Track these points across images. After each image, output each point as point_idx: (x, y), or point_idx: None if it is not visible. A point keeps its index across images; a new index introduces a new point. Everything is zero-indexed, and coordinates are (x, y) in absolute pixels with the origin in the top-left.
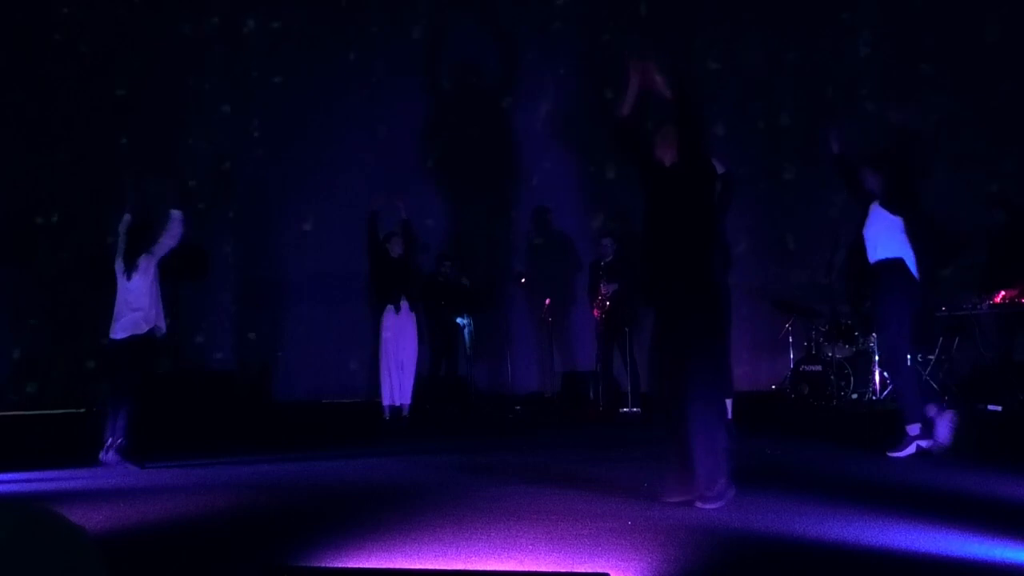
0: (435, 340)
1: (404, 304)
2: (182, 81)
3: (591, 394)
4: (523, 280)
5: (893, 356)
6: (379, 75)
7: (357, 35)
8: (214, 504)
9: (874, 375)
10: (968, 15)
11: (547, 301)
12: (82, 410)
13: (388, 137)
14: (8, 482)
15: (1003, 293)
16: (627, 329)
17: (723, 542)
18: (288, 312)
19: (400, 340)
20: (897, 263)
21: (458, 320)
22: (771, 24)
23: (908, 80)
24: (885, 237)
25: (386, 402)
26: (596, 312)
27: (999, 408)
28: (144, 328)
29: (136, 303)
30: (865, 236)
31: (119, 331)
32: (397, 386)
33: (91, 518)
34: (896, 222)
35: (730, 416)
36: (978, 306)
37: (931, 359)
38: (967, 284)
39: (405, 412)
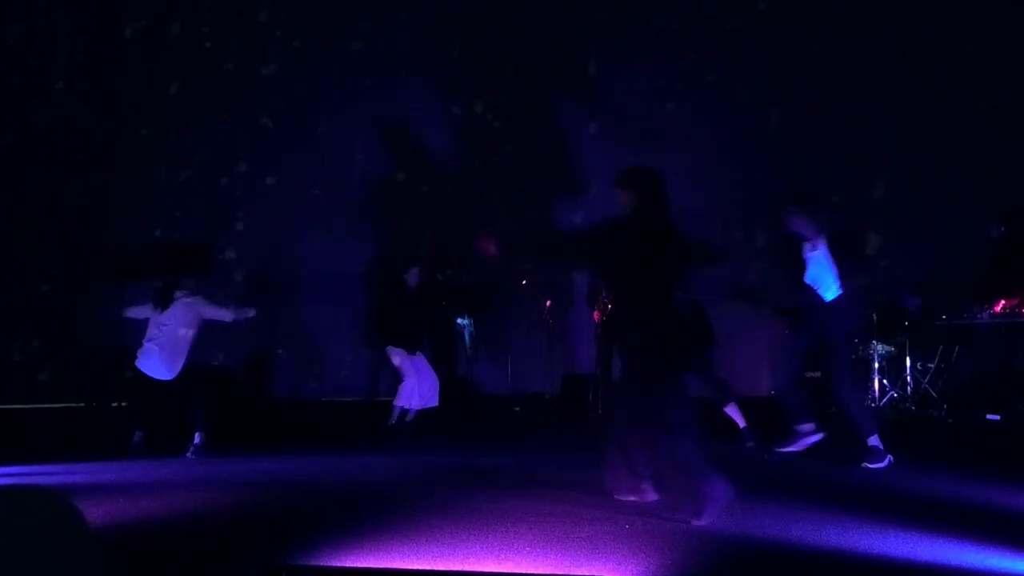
0: (435, 341)
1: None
2: (182, 83)
3: (590, 396)
4: (524, 282)
5: (849, 380)
6: (379, 77)
7: (355, 35)
8: (214, 502)
9: (873, 382)
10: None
11: (547, 303)
12: (81, 404)
13: (389, 138)
14: (9, 475)
15: (1003, 302)
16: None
17: (721, 547)
18: (288, 311)
19: (422, 373)
20: (844, 300)
21: (459, 321)
22: (772, 25)
23: (900, 86)
24: (828, 278)
25: (403, 405)
26: (596, 315)
27: (998, 417)
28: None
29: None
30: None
31: (164, 371)
32: (426, 392)
33: (91, 514)
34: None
35: (744, 423)
36: (978, 315)
37: (930, 367)
38: (967, 293)
39: (410, 417)
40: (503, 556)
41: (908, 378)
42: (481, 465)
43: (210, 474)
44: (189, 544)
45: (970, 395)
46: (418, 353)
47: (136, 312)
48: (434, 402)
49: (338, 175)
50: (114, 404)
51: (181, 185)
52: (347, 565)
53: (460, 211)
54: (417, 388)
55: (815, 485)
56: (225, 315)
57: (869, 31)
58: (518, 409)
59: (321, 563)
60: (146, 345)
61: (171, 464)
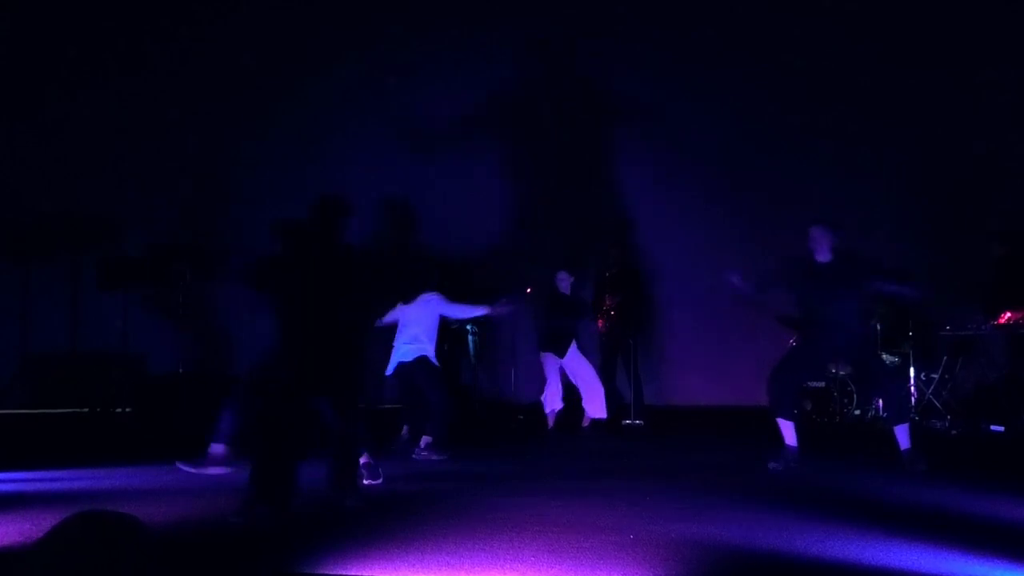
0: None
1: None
2: (182, 80)
3: None
4: (528, 291)
5: None
6: (384, 81)
7: (361, 43)
8: (220, 508)
9: None
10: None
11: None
12: (85, 410)
13: (392, 140)
14: (12, 481)
15: (1008, 314)
16: (631, 341)
17: (725, 558)
18: None
19: (578, 369)
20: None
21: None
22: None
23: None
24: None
25: (551, 408)
26: (600, 323)
27: (1002, 429)
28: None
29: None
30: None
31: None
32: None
33: None
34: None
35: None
36: (982, 326)
37: (934, 378)
38: (972, 305)
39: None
40: (508, 566)
41: (912, 389)
42: (484, 473)
43: (217, 481)
44: (193, 550)
45: (974, 406)
46: (582, 369)
47: (390, 316)
48: (602, 415)
49: (342, 180)
50: (119, 410)
51: (183, 188)
52: (351, 573)
53: (463, 216)
54: (559, 391)
55: (818, 495)
56: (466, 312)
57: (870, 35)
58: (521, 418)
59: (325, 571)
60: (398, 346)
61: (177, 472)
